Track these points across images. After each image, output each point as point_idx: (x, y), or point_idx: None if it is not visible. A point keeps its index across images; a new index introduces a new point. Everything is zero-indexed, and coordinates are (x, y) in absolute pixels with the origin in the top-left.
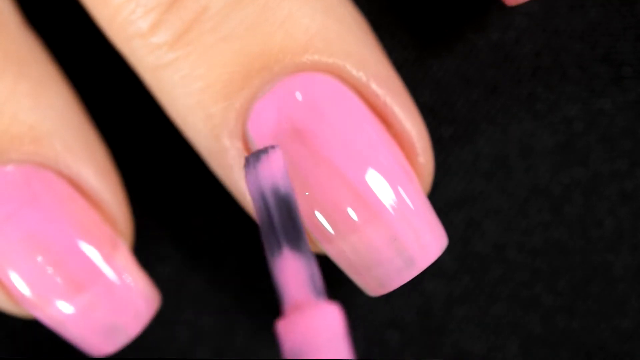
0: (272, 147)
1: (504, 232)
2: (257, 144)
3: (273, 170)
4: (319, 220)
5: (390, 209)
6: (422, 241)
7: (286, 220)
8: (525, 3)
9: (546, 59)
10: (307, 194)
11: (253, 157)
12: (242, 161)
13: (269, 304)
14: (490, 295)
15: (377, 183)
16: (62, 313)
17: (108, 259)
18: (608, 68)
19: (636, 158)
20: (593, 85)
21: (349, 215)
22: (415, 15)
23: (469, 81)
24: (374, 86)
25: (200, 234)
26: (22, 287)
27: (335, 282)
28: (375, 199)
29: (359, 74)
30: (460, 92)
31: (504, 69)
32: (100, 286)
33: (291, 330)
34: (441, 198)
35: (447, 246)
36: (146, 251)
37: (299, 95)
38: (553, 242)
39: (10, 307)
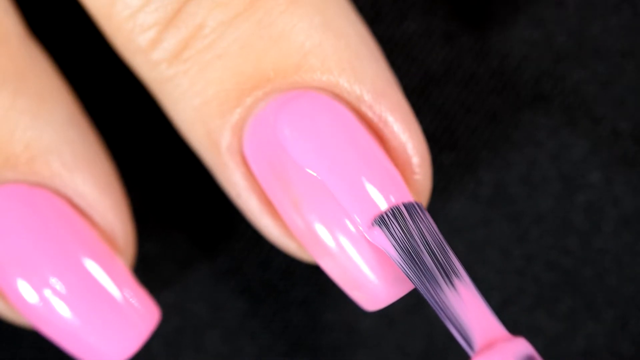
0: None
1: (505, 258)
2: (252, 160)
3: (422, 223)
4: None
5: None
6: None
7: (446, 256)
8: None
9: (546, 86)
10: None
11: (395, 217)
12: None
13: (273, 327)
14: None
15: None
16: (60, 329)
17: (103, 277)
18: (609, 95)
19: (637, 183)
20: (593, 112)
21: (335, 234)
22: (414, 43)
23: (469, 108)
24: (367, 100)
25: (206, 253)
26: (19, 302)
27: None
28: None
29: (353, 89)
30: (460, 119)
31: (504, 96)
32: (98, 303)
33: None
34: (442, 225)
35: None
36: (149, 271)
37: (288, 114)
38: (555, 268)
39: (13, 317)
